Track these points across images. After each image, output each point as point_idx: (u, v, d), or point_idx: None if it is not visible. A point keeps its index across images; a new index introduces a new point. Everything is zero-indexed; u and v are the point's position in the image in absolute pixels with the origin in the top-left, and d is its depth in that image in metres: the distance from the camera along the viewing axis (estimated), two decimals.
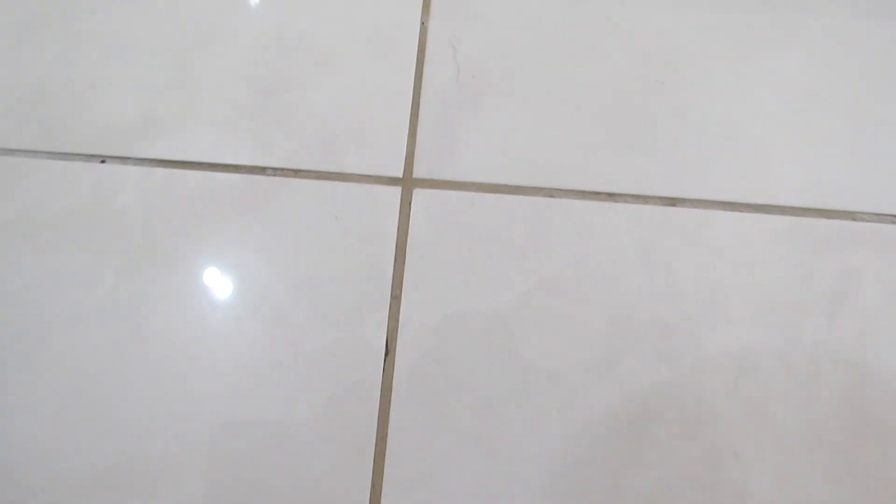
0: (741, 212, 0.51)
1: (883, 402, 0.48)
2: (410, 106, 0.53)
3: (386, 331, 0.49)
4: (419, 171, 0.52)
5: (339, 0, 0.56)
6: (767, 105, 0.54)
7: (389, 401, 0.48)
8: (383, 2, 0.55)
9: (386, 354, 0.49)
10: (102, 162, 0.52)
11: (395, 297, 0.50)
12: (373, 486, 0.45)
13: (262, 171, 0.52)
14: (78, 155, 0.52)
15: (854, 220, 0.51)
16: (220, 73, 0.54)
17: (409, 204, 0.51)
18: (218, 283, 0.50)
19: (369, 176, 0.52)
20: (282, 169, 0.52)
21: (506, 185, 0.52)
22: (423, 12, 0.55)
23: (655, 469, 0.46)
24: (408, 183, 0.52)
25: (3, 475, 0.45)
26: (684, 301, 0.49)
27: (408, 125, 0.53)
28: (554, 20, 0.56)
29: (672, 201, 0.52)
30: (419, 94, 0.53)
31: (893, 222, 0.51)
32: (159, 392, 0.48)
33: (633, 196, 0.52)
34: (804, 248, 0.51)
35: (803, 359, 0.49)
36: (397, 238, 0.50)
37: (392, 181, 0.52)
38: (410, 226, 0.51)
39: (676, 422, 0.47)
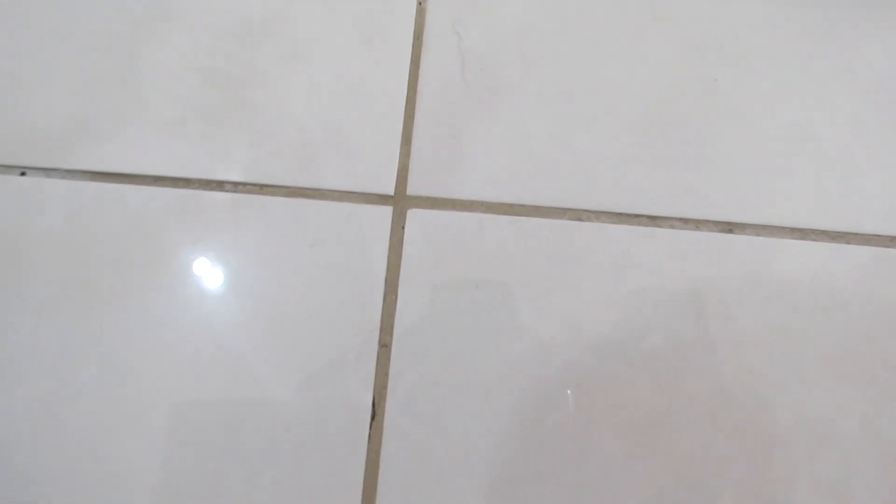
0: (813, 240, 0.41)
1: None
2: (405, 107, 0.43)
3: (373, 388, 0.39)
4: (414, 188, 0.42)
5: None
6: (846, 110, 0.44)
7: (376, 477, 0.38)
8: None
9: (372, 418, 0.39)
10: (22, 174, 0.42)
11: (385, 346, 0.39)
12: None
13: (219, 185, 0.42)
14: None
15: None
16: (169, 64, 0.44)
17: (402, 227, 0.41)
18: (163, 326, 0.40)
19: (354, 193, 0.42)
20: (244, 184, 0.42)
21: (522, 206, 0.42)
22: None
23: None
24: (400, 201, 0.42)
25: None
26: (745, 353, 0.40)
27: (401, 131, 0.43)
28: (583, 2, 0.45)
29: (729, 227, 0.41)
30: (415, 92, 0.43)
31: None
32: (89, 469, 0.38)
33: (680, 220, 0.41)
34: (894, 284, 0.41)
35: (894, 426, 0.39)
36: (387, 270, 0.40)
37: (381, 199, 0.41)
38: (403, 254, 0.41)
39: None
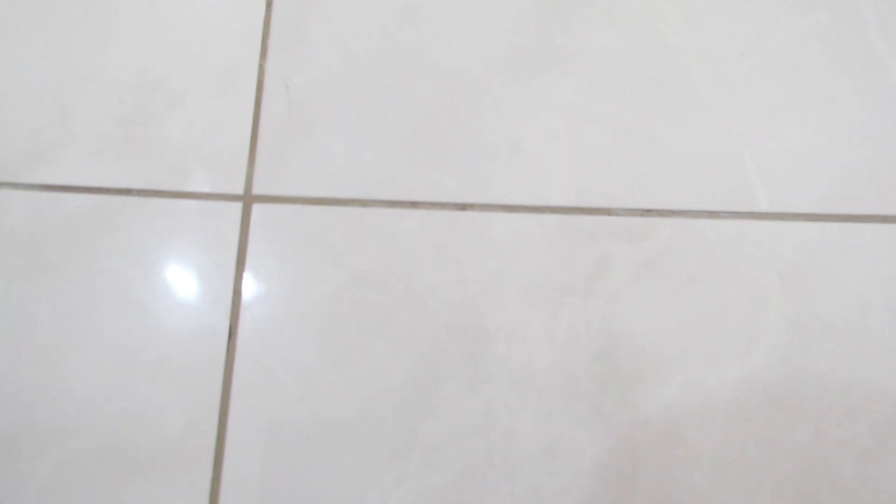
0: (519, 213, 0.64)
1: (627, 358, 0.61)
2: (250, 135, 0.65)
3: (229, 317, 0.61)
4: (257, 189, 0.64)
5: (189, 46, 0.67)
6: (545, 124, 0.66)
7: (231, 376, 0.60)
8: (227, 48, 0.67)
9: (229, 337, 0.61)
10: None
11: (237, 292, 0.61)
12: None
13: (127, 192, 0.63)
14: None
15: (609, 215, 0.64)
16: (93, 110, 0.65)
17: (249, 217, 0.63)
18: (93, 285, 0.61)
19: (215, 194, 0.63)
20: (144, 190, 0.63)
21: (328, 198, 0.64)
22: (261, 56, 0.67)
23: (444, 418, 0.59)
24: (248, 199, 0.63)
25: None
26: (470, 287, 0.62)
27: (248, 151, 0.64)
28: (371, 59, 0.67)
29: (463, 206, 0.64)
30: (257, 125, 0.65)
31: (640, 216, 0.64)
32: (43, 378, 0.59)
33: (430, 203, 0.64)
34: (568, 240, 0.63)
35: (563, 327, 0.61)
36: (238, 244, 0.62)
37: (234, 198, 0.63)
38: (250, 234, 0.62)
39: (461, 381, 0.60)
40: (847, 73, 0.67)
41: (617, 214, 0.64)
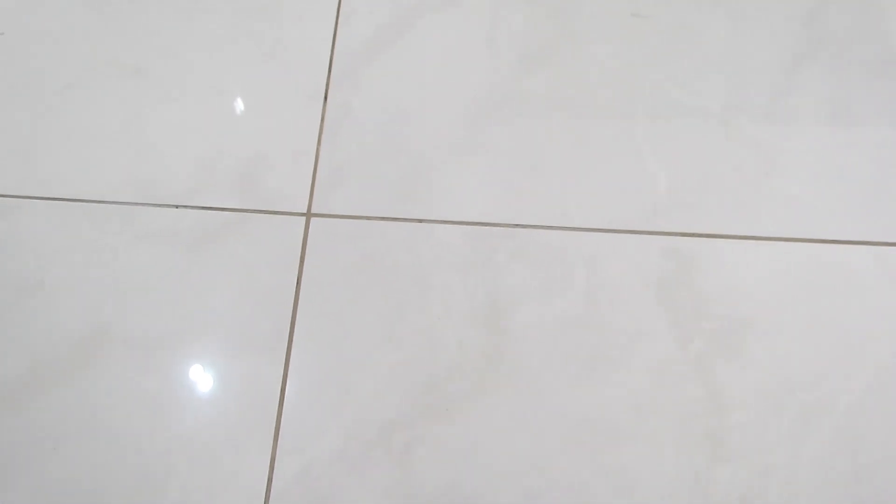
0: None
1: None
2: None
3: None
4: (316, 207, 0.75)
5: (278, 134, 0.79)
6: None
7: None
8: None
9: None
10: None
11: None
12: None
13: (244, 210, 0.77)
14: None
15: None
16: (224, 170, 0.79)
17: (308, 229, 0.74)
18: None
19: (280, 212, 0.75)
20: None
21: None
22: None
23: None
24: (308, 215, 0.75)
25: None
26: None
27: (311, 175, 0.76)
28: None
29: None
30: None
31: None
32: None
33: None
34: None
35: None
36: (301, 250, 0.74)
37: (298, 214, 0.75)
38: (308, 243, 0.74)
39: None
40: None
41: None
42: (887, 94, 0.80)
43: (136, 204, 0.76)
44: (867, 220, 0.74)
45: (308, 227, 0.74)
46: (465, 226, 0.73)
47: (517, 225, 0.73)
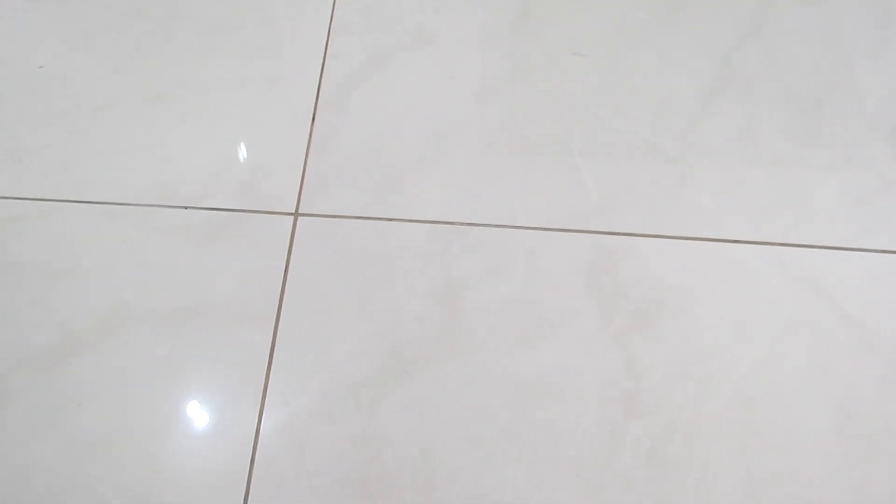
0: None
1: None
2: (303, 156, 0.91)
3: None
4: (303, 207, 0.90)
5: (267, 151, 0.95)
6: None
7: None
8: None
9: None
10: None
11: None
12: None
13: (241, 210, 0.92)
14: None
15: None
16: (233, 181, 0.95)
17: (295, 227, 0.89)
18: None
19: (271, 211, 0.90)
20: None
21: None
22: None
23: None
24: (295, 214, 0.90)
25: None
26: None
27: (300, 176, 0.91)
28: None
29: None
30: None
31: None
32: None
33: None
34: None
35: None
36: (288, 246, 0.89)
37: (285, 214, 0.90)
38: (295, 239, 0.89)
39: None
40: None
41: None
42: (785, 120, 0.96)
43: (154, 206, 0.91)
44: (763, 224, 0.89)
45: (296, 224, 0.89)
46: (426, 224, 0.88)
47: (471, 223, 0.88)
